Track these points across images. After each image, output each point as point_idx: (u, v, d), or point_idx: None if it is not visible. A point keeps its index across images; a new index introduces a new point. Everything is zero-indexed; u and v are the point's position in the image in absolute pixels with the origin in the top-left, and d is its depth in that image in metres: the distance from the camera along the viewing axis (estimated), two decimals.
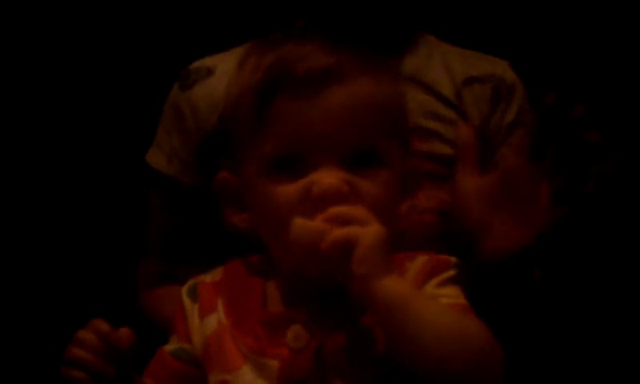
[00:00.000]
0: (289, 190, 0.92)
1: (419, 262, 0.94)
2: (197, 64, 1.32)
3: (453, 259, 0.96)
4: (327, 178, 0.90)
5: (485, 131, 1.28)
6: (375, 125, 0.94)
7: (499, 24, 1.80)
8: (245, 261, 1.02)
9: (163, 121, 1.34)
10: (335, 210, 0.88)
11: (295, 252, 0.90)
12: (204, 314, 0.99)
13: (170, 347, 1.00)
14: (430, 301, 0.89)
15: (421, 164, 1.05)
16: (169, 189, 1.33)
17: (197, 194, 1.28)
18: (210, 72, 1.29)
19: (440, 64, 1.29)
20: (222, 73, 1.24)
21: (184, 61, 1.36)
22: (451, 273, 0.94)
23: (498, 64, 1.32)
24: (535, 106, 1.30)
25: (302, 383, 0.91)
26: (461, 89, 1.28)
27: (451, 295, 0.93)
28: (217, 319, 0.97)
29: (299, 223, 0.88)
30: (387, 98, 0.96)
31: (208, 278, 1.03)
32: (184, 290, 1.02)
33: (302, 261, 0.91)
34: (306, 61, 0.93)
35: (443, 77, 1.28)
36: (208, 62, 1.31)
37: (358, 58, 0.95)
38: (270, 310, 0.96)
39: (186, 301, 1.01)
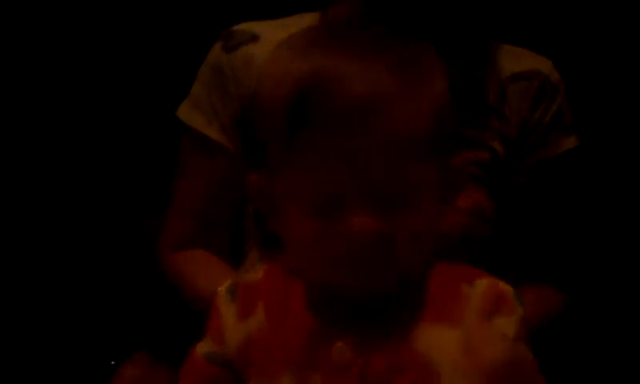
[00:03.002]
0: (319, 233, 0.86)
1: (479, 290, 0.88)
2: (242, 27, 1.29)
3: (512, 291, 0.90)
4: (364, 225, 0.84)
5: (525, 128, 1.28)
6: (413, 155, 0.85)
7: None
8: (283, 264, 0.96)
9: (202, 79, 1.30)
10: None
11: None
12: (243, 315, 0.93)
13: (203, 350, 0.95)
14: None
15: (462, 163, 1.00)
16: (206, 149, 1.29)
17: (233, 159, 1.26)
18: (254, 38, 1.27)
19: (485, 63, 1.29)
20: (268, 42, 1.19)
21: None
22: (519, 312, 0.88)
23: (543, 62, 1.32)
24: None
25: None
26: (506, 85, 1.28)
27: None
28: (257, 323, 0.92)
29: None
30: (426, 118, 0.86)
31: (249, 277, 0.97)
32: (222, 289, 0.96)
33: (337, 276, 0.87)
34: (342, 84, 0.82)
35: (488, 78, 1.28)
36: (254, 27, 1.29)
37: (400, 75, 0.84)
38: (314, 320, 0.90)
39: (223, 301, 0.95)
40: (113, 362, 1.11)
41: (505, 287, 0.90)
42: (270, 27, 1.27)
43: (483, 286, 0.89)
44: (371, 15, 1.23)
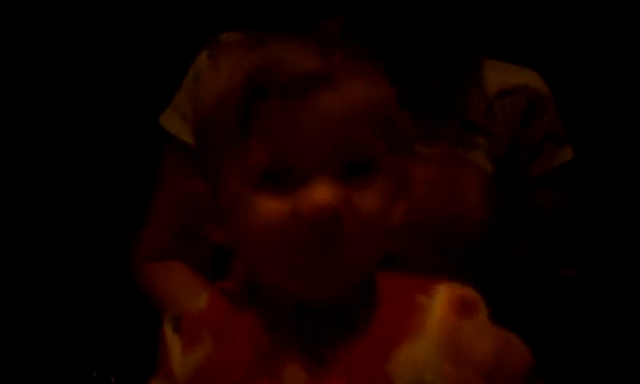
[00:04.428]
0: (278, 207, 0.83)
1: (441, 296, 0.86)
2: (229, 35, 1.27)
3: (473, 291, 0.88)
4: (319, 194, 0.82)
5: (516, 144, 1.26)
6: (368, 131, 0.86)
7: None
8: (230, 285, 0.94)
9: (187, 87, 1.29)
10: None
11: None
12: (188, 346, 0.91)
13: (156, 383, 0.93)
14: None
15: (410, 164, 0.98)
16: (187, 157, 1.25)
17: None
18: None
19: (471, 81, 1.28)
20: None
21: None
22: (484, 311, 0.86)
23: (530, 75, 1.30)
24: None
25: None
26: (493, 102, 1.26)
27: None
28: (204, 353, 0.90)
29: None
30: (378, 101, 0.87)
31: (193, 306, 0.94)
32: (167, 322, 0.94)
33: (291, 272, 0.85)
34: (294, 63, 0.83)
35: (473, 95, 1.26)
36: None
37: (349, 59, 0.87)
38: (262, 342, 0.88)
39: (169, 334, 0.93)
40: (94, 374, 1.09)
41: (466, 289, 0.87)
42: None
43: (443, 291, 0.87)
44: (358, 30, 1.23)
